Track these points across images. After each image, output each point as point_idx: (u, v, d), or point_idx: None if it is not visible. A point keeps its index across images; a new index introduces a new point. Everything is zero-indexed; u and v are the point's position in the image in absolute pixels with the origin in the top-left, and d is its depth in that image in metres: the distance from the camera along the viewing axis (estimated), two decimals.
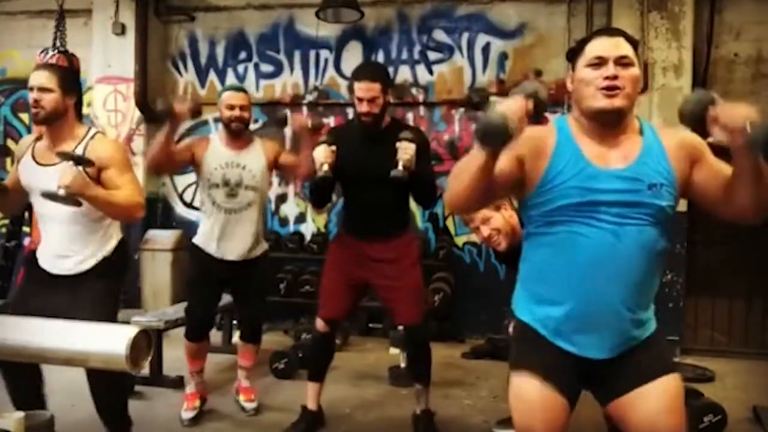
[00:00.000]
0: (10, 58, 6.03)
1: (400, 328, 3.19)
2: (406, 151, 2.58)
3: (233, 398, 3.42)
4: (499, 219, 2.38)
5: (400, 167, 2.56)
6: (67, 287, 2.38)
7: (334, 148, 2.71)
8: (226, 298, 3.85)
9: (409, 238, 3.03)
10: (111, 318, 2.40)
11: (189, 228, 5.62)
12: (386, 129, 2.82)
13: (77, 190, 2.17)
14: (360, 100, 2.73)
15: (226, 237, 3.10)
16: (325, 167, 2.67)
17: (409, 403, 3.49)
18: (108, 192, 2.33)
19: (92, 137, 2.43)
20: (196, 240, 3.20)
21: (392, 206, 2.89)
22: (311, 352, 3.22)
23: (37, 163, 2.40)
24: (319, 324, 3.00)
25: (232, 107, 3.06)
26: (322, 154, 2.69)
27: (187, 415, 3.16)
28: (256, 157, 3.16)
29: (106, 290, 2.44)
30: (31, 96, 2.31)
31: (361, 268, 2.90)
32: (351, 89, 2.80)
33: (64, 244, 2.40)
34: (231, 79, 5.66)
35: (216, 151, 3.12)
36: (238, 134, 3.10)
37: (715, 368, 4.19)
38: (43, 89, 2.31)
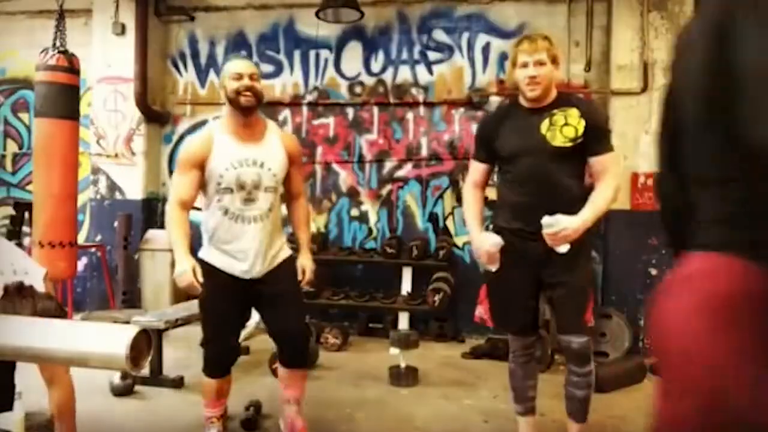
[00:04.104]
0: (10, 58, 6.03)
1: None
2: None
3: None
4: None
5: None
6: None
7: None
8: None
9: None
10: None
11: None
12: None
13: None
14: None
15: (240, 249, 2.56)
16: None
17: (409, 403, 3.49)
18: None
19: None
20: (204, 255, 2.64)
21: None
22: None
23: None
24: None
25: (239, 76, 2.47)
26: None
27: None
28: (275, 150, 2.58)
29: None
30: None
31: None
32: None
33: None
34: None
35: (224, 148, 2.50)
36: (249, 113, 2.50)
37: None
38: None
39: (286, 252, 2.72)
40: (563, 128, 2.38)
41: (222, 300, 2.58)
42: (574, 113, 2.38)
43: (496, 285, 2.57)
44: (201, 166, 2.48)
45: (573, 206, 2.34)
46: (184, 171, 2.52)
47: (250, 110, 2.49)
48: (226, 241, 2.55)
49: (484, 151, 2.60)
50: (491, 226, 2.64)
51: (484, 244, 2.49)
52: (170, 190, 2.51)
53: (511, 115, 2.53)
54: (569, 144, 2.36)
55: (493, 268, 2.49)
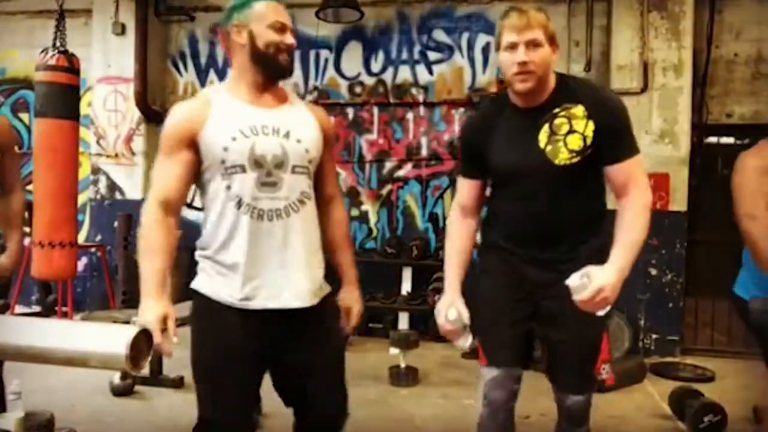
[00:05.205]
0: (10, 58, 6.04)
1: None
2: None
3: None
4: None
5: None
6: None
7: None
8: None
9: None
10: None
11: (189, 228, 5.63)
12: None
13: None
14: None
15: (261, 265, 1.63)
16: None
17: (409, 403, 3.49)
18: (17, 236, 2.53)
19: None
20: (200, 284, 1.71)
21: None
22: None
23: None
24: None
25: (282, 28, 1.66)
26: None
27: None
28: (303, 118, 1.74)
29: None
30: None
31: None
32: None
33: None
34: None
35: (229, 111, 1.64)
36: (280, 78, 1.72)
37: (715, 368, 4.19)
38: None
39: (326, 285, 1.80)
40: (567, 138, 1.78)
41: (229, 355, 1.63)
42: (579, 112, 1.78)
43: (480, 299, 2.05)
44: (192, 142, 1.61)
45: (590, 230, 1.88)
46: (167, 153, 1.63)
47: (284, 75, 1.71)
48: (235, 252, 1.62)
49: (472, 165, 1.97)
50: (481, 241, 2.15)
51: (443, 314, 2.02)
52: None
53: (502, 117, 1.88)
54: (576, 159, 1.78)
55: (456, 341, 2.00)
